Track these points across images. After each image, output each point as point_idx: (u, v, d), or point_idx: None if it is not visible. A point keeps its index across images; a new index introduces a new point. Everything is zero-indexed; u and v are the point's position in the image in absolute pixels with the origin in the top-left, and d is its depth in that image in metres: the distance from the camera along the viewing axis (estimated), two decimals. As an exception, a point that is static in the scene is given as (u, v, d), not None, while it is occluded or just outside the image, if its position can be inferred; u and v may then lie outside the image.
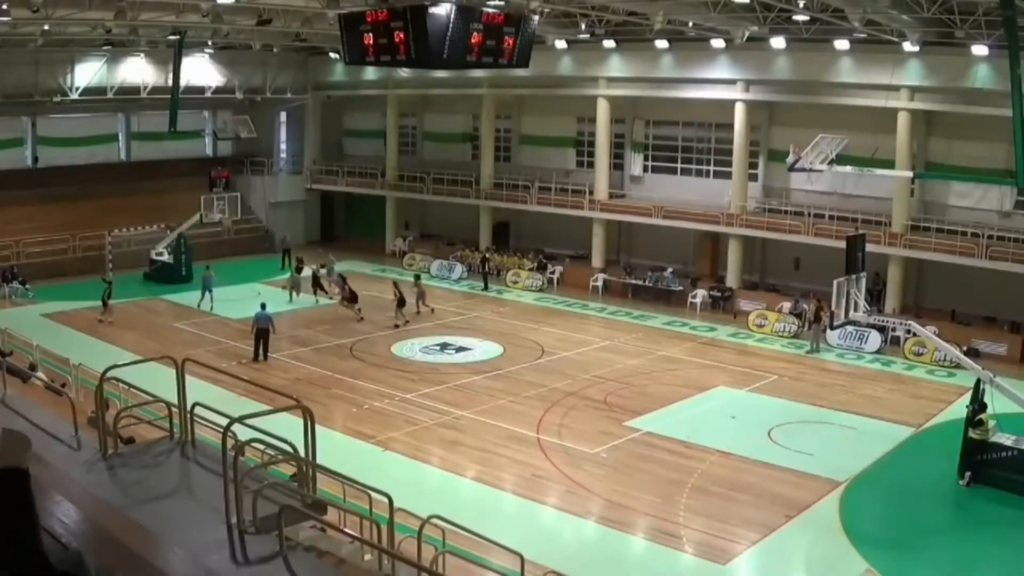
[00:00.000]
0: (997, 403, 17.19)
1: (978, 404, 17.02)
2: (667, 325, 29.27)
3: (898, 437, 19.62)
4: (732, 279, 31.81)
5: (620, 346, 26.70)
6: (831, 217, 29.56)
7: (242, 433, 7.72)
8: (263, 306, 25.18)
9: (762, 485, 16.88)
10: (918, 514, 16.32)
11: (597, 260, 34.71)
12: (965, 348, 23.74)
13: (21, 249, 33.72)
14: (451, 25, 13.12)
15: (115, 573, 4.43)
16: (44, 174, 36.52)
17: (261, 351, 24.12)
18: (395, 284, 29.65)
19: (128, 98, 37.21)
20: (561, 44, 32.61)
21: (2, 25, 26.49)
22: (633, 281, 33.37)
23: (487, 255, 35.91)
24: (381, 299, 32.29)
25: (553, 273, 35.01)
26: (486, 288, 34.07)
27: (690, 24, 28.07)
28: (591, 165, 35.59)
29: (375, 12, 13.61)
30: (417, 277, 31.81)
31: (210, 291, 30.02)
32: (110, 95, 36.40)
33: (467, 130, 40.77)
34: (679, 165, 34.83)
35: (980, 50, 24.57)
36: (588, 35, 31.24)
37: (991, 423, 17.05)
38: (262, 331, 24.22)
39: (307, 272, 32.10)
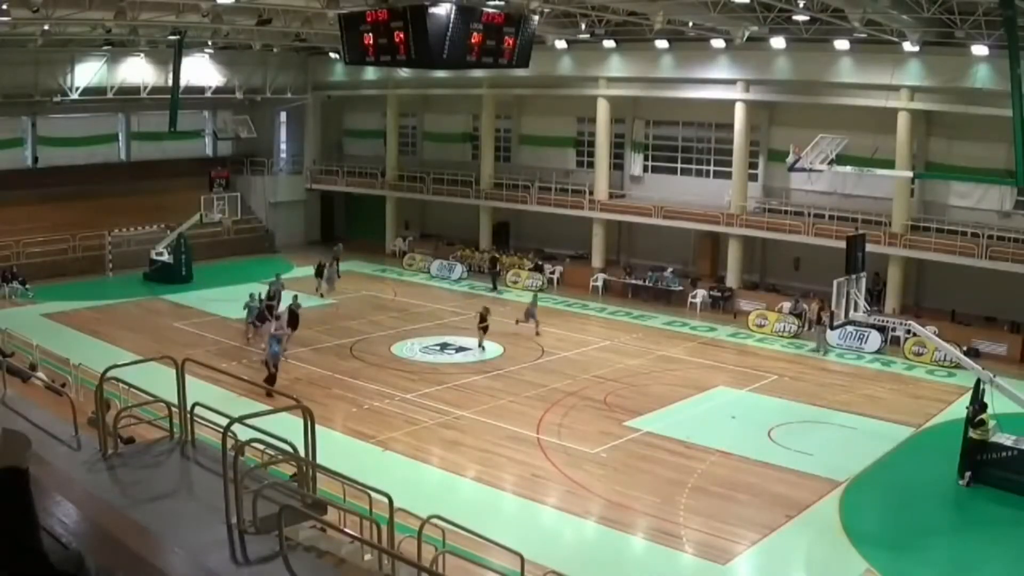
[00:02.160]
0: (997, 403, 17.19)
1: (978, 404, 17.02)
2: (667, 325, 29.26)
3: (898, 437, 19.62)
4: (732, 279, 31.81)
5: (620, 346, 26.69)
6: (831, 217, 29.55)
7: (242, 433, 7.72)
8: (278, 341, 22.29)
9: (762, 485, 16.88)
10: (918, 514, 16.31)
11: (597, 260, 34.71)
12: (965, 348, 23.75)
13: (21, 249, 33.71)
14: (451, 25, 13.12)
15: (115, 573, 4.43)
16: (44, 174, 36.52)
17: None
18: (483, 315, 25.90)
19: (128, 98, 37.21)
20: (561, 44, 32.61)
21: (2, 25, 26.48)
22: (633, 281, 33.37)
23: (497, 256, 35.75)
24: (379, 298, 32.34)
25: (553, 273, 35.01)
26: (495, 289, 34.00)
27: (690, 24, 28.07)
28: (591, 165, 35.59)
29: (375, 12, 13.61)
30: (535, 297, 28.97)
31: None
32: (110, 95, 36.39)
33: (467, 130, 40.76)
34: (679, 165, 34.82)
35: (980, 50, 24.57)
36: (588, 35, 31.23)
37: (991, 423, 17.06)
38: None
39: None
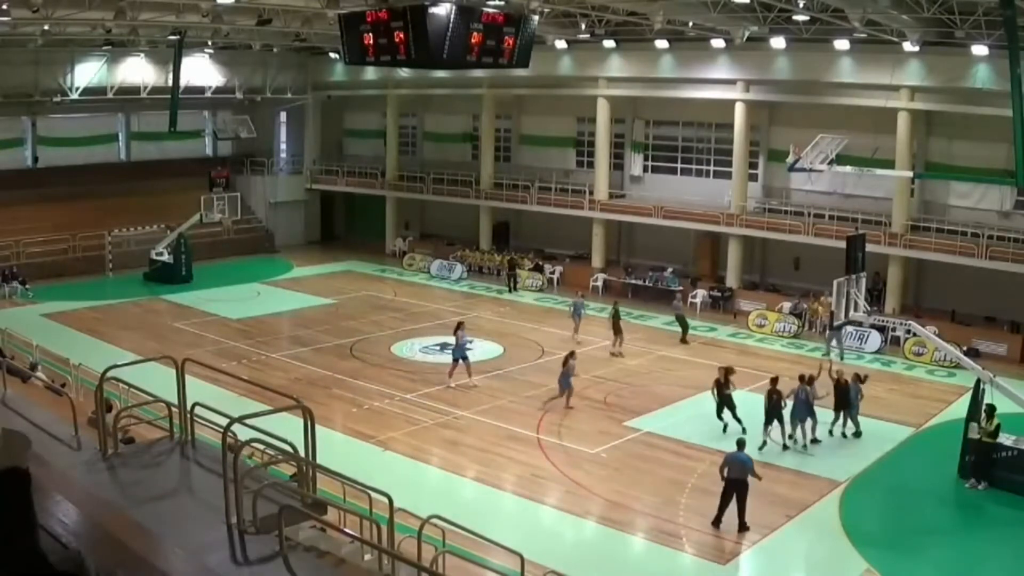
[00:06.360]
0: (997, 403, 17.16)
1: (987, 407, 16.85)
2: (667, 325, 29.21)
3: (898, 437, 19.62)
4: (732, 279, 31.80)
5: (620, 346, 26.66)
6: (831, 217, 29.54)
7: (242, 433, 7.71)
8: (740, 444, 15.57)
9: (762, 485, 16.83)
10: (918, 514, 16.32)
11: (597, 260, 34.70)
12: (965, 348, 23.73)
13: (21, 249, 33.71)
14: (451, 25, 13.10)
15: (115, 573, 4.43)
16: (44, 174, 36.52)
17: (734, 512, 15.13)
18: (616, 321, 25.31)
19: (128, 98, 37.20)
20: (561, 44, 32.60)
21: (2, 25, 26.48)
22: (633, 281, 33.35)
23: (514, 258, 35.52)
24: (379, 298, 32.33)
25: (553, 273, 35.00)
26: (514, 291, 33.98)
27: (690, 24, 28.06)
28: (591, 165, 35.58)
29: (375, 12, 13.59)
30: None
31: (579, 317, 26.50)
32: (110, 95, 36.38)
33: (467, 130, 40.77)
34: (679, 165, 34.82)
35: (980, 50, 24.57)
36: (588, 35, 31.23)
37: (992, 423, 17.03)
38: (737, 483, 15.01)
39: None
